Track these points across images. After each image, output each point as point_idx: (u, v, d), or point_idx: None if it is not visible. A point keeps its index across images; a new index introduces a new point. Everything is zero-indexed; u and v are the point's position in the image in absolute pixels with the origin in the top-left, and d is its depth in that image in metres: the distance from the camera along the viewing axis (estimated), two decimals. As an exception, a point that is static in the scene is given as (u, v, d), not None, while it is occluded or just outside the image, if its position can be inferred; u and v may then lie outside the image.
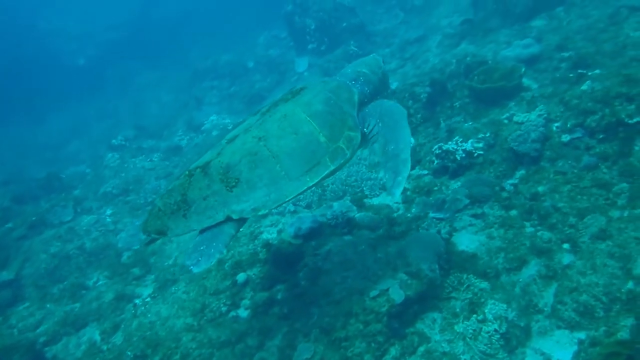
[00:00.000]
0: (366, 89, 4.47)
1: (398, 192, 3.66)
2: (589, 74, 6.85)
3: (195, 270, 3.39)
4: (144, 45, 26.26)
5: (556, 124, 5.83)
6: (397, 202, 6.38)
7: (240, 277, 5.59)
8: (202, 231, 3.61)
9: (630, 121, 5.02)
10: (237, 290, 5.57)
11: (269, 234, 6.47)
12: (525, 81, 7.76)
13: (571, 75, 7.12)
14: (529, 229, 5.09)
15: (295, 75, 16.18)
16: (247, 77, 18.81)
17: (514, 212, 5.37)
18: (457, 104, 7.92)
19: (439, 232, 5.19)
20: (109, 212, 10.39)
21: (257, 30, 21.67)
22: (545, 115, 5.97)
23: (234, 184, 3.62)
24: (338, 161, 3.77)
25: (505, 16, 11.15)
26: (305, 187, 3.66)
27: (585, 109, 5.48)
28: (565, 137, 5.55)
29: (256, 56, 19.49)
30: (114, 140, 16.20)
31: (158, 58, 24.86)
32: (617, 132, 5.15)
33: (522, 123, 6.09)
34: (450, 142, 6.54)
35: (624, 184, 4.90)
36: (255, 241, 6.26)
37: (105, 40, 28.43)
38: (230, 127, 13.82)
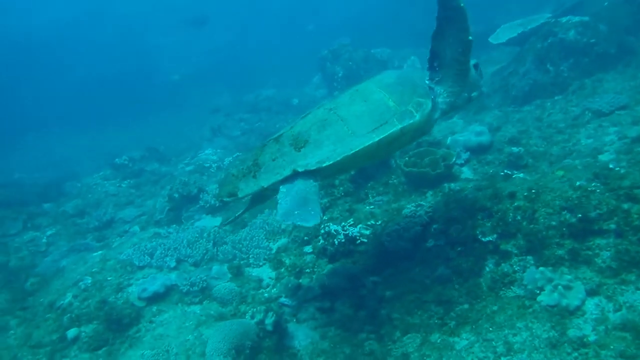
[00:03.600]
0: None
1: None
2: (514, 176, 6.85)
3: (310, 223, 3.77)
4: (230, 70, 30.56)
5: (434, 225, 5.83)
6: (270, 278, 6.55)
7: (71, 332, 5.86)
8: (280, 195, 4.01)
9: (483, 239, 4.99)
10: (61, 347, 5.84)
11: (138, 287, 6.76)
12: (465, 171, 7.82)
13: (502, 173, 7.12)
14: (362, 335, 5.09)
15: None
16: (283, 114, 19.88)
17: (362, 313, 5.39)
18: (394, 181, 8.04)
19: (261, 322, 5.25)
20: (49, 232, 11.10)
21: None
22: (431, 214, 6.00)
23: (302, 145, 4.09)
24: (406, 121, 4.08)
25: (505, 96, 11.31)
26: (370, 142, 3.97)
27: (451, 217, 5.49)
28: (430, 242, 5.55)
29: (303, 94, 21.06)
30: (117, 159, 16.91)
31: (237, 85, 27.32)
32: (474, 247, 5.12)
33: (406, 217, 6.14)
34: (342, 224, 6.66)
35: (466, 305, 4.84)
36: (118, 293, 6.57)
37: (199, 62, 34.09)
38: (207, 165, 14.45)
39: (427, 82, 4.33)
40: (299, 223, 3.74)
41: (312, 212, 3.77)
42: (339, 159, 3.94)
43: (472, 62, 4.68)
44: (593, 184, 4.88)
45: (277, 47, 33.09)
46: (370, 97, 4.19)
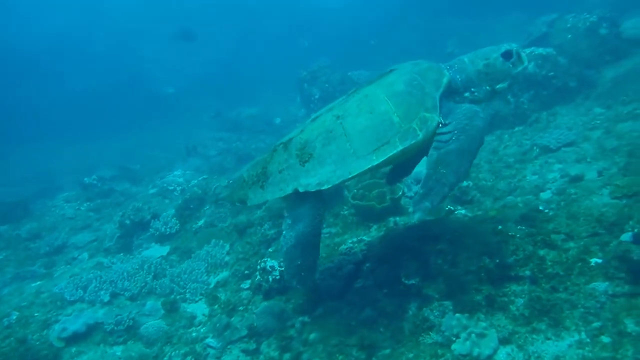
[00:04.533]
0: (457, 76, 4.47)
1: (416, 217, 4.07)
2: (456, 212, 6.84)
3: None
4: (224, 85, 31.06)
5: (367, 264, 5.76)
6: (204, 315, 6.41)
7: (-20, 377, 5.64)
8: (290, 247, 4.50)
9: (406, 281, 4.91)
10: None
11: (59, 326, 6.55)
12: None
13: (446, 209, 7.09)
14: (283, 380, 4.97)
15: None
16: (265, 133, 19.97)
17: (286, 357, 5.27)
18: (345, 212, 7.99)
19: (178, 366, 5.10)
20: (-2, 257, 10.87)
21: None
22: (366, 252, 5.94)
23: (306, 159, 4.21)
24: (408, 142, 4.02)
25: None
26: (370, 165, 4.05)
27: (382, 256, 5.42)
28: (359, 283, 5.47)
29: (287, 113, 21.40)
30: (86, 178, 16.68)
31: (229, 100, 27.47)
32: (399, 289, 5.04)
33: (342, 254, 6.06)
34: (279, 260, 6.55)
35: (388, 350, 4.74)
36: (44, 331, 6.35)
37: (194, 75, 34.56)
38: (171, 188, 14.29)
39: (436, 94, 4.19)
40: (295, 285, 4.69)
41: (307, 278, 4.64)
42: (337, 182, 4.08)
43: (502, 49, 4.44)
44: (518, 227, 4.86)
45: (271, 63, 33.30)
46: (377, 108, 4.14)
